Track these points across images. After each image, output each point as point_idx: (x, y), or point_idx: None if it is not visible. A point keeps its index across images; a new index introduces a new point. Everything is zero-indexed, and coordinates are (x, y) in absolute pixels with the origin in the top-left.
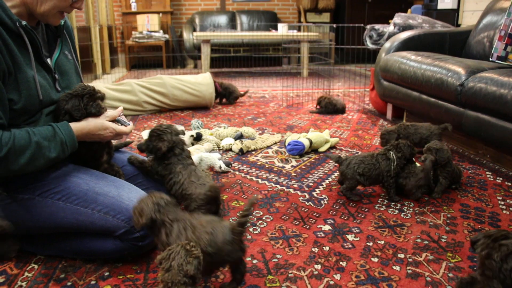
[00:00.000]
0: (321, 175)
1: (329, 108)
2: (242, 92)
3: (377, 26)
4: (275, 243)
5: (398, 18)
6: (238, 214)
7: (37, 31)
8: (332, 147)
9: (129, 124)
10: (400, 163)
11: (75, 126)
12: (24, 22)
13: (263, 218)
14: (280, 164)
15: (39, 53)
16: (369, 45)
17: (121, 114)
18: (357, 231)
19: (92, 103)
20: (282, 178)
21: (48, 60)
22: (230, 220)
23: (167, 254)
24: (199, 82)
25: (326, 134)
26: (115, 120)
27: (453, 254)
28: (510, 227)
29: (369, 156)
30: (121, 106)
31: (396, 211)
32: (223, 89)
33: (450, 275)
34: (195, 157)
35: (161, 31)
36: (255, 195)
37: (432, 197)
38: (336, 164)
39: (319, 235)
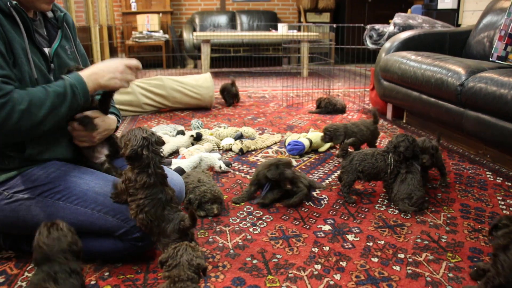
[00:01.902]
0: (321, 175)
1: (329, 108)
2: (230, 82)
3: (377, 26)
4: (275, 243)
5: (398, 18)
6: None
7: (35, 22)
8: (332, 147)
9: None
10: (397, 166)
11: (84, 70)
12: (14, 2)
13: (263, 218)
14: None
15: (32, 37)
16: (369, 45)
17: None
18: (357, 231)
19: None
20: None
21: (48, 49)
22: (230, 219)
23: (173, 252)
24: (199, 85)
25: None
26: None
27: (453, 254)
28: None
29: (370, 154)
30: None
31: (396, 211)
32: (225, 91)
33: (450, 275)
34: (195, 157)
35: (161, 31)
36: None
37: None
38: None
39: (319, 235)
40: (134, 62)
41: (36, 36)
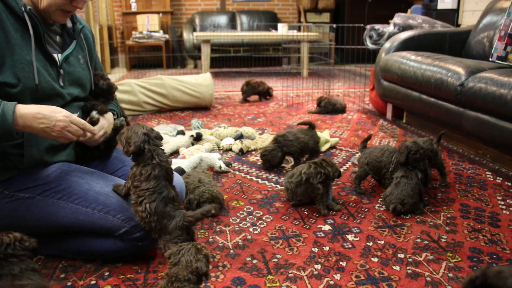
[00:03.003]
0: None
1: (328, 108)
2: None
3: (377, 26)
4: (275, 243)
5: (398, 18)
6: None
7: (50, 27)
8: (332, 147)
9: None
10: (397, 167)
11: (23, 105)
12: (28, 7)
13: (263, 218)
14: None
15: (41, 42)
16: (369, 45)
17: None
18: (357, 231)
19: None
20: (282, 178)
21: (59, 55)
22: (230, 219)
23: (177, 250)
24: (199, 83)
25: (326, 134)
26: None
27: (453, 254)
28: (510, 227)
29: (379, 149)
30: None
31: None
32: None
33: (450, 275)
34: (195, 157)
35: (161, 31)
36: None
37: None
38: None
39: (319, 235)
40: (81, 121)
41: (47, 41)
